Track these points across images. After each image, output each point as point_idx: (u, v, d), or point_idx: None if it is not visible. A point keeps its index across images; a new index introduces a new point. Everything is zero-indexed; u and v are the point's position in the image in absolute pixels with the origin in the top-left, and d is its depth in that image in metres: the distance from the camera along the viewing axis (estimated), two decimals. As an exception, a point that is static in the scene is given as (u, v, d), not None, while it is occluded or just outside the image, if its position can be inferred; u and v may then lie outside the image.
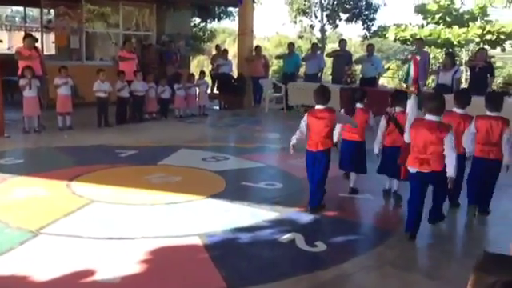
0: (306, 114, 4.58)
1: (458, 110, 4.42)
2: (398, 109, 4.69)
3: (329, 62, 12.70)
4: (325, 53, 14.74)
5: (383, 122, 4.75)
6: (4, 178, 5.23)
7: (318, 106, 4.51)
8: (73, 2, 11.81)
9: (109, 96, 8.77)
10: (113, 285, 3.02)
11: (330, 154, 4.50)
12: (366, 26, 19.60)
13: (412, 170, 3.86)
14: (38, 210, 4.27)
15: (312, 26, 21.32)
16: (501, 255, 1.27)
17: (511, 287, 1.00)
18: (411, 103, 4.36)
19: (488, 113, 4.33)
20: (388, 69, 17.58)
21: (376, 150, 4.79)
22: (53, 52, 13.52)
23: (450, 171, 3.71)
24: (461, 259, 3.66)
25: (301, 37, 22.50)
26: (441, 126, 3.77)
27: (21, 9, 17.69)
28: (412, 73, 4.62)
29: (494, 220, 4.43)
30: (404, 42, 17.14)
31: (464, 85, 10.82)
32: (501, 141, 4.23)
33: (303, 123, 4.54)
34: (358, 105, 5.09)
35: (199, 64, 22.90)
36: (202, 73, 11.50)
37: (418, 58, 5.37)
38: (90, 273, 3.13)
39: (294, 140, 4.58)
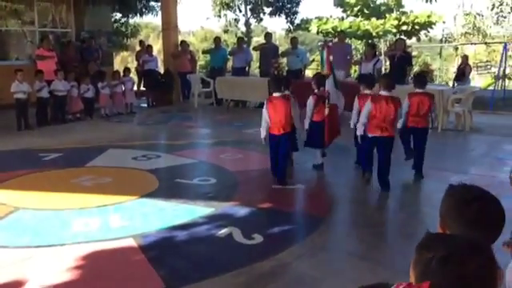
0: (266, 102, 5.17)
1: (384, 92, 4.91)
2: (321, 89, 5.47)
3: (255, 55, 12.81)
4: (251, 46, 14.84)
5: (312, 101, 5.47)
6: None
7: (275, 94, 5.11)
8: (-18, -2, 11.03)
9: (28, 97, 8.31)
10: (45, 295, 2.89)
11: (292, 135, 5.24)
12: (289, 19, 19.92)
13: (371, 135, 4.84)
14: (-45, 223, 3.98)
15: (237, 20, 21.36)
16: (442, 234, 1.36)
17: (446, 261, 1.06)
18: (329, 83, 5.40)
19: (417, 90, 5.35)
20: (313, 61, 18.03)
21: (306, 126, 5.51)
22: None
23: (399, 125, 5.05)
24: (390, 241, 3.87)
25: (226, 31, 22.44)
26: (394, 99, 4.80)
27: None
28: (325, 59, 5.62)
29: (422, 201, 4.74)
30: (326, 34, 17.66)
31: (384, 74, 11.33)
32: (429, 112, 5.29)
33: (265, 111, 5.10)
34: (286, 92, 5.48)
35: (123, 61, 22.24)
36: (127, 70, 11.18)
37: (330, 44, 6.33)
38: (19, 283, 2.98)
39: (263, 132, 5.16)
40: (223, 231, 3.81)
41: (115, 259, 3.40)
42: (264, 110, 5.13)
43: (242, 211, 4.32)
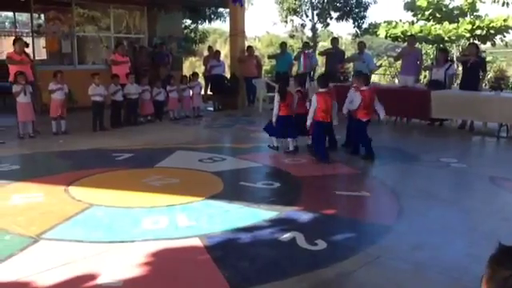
0: (315, 95, 6.37)
1: (323, 90, 6.41)
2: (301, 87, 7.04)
3: (320, 60, 12.74)
4: (317, 51, 14.77)
5: (296, 97, 6.85)
6: (1, 185, 5.21)
7: (321, 90, 6.45)
8: (63, 6, 11.76)
9: (104, 100, 8.77)
10: (115, 288, 3.02)
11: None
12: (356, 23, 19.63)
13: (363, 119, 6.56)
14: (37, 216, 4.26)
15: (303, 25, 21.34)
16: None
17: None
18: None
19: (364, 87, 6.67)
20: (380, 66, 17.63)
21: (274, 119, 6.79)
22: (44, 57, 13.45)
23: (382, 115, 6.81)
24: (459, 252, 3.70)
25: (292, 36, 22.49)
26: (373, 92, 6.72)
27: (10, 14, 17.61)
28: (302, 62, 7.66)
29: (495, 212, 4.52)
30: (395, 38, 17.21)
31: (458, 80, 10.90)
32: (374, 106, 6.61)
33: (314, 103, 6.29)
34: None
35: (191, 65, 22.86)
36: (195, 74, 11.50)
37: (307, 52, 8.69)
38: (92, 277, 3.14)
39: (309, 119, 6.37)
40: (286, 235, 3.81)
41: (181, 258, 3.50)
42: (313, 102, 6.30)
43: (305, 216, 4.30)
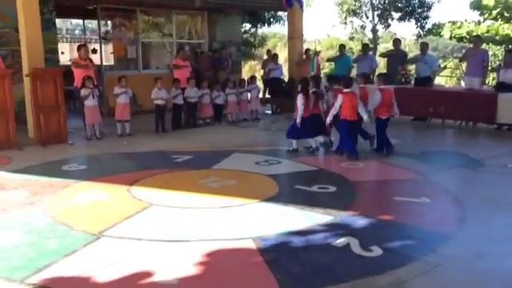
0: (340, 96, 6.74)
1: (347, 90, 6.82)
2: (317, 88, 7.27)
3: (382, 62, 12.48)
4: (377, 53, 14.48)
5: (312, 98, 7.12)
6: (68, 184, 5.52)
7: (345, 90, 6.83)
8: (128, 13, 12.27)
9: (166, 103, 9.07)
10: (170, 286, 3.11)
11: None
12: (419, 24, 19.06)
13: (384, 117, 7.00)
14: (100, 214, 4.48)
15: (363, 27, 21.01)
16: None
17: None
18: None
19: (383, 86, 7.16)
20: (445, 68, 17.01)
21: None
22: (111, 62, 14.10)
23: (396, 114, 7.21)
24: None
25: (352, 38, 22.19)
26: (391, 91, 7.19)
27: (80, 21, 18.59)
28: (315, 65, 8.56)
29: None
30: (460, 39, 16.61)
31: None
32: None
33: (339, 102, 6.71)
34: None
35: (250, 69, 23.10)
36: (253, 78, 11.61)
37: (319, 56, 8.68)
38: (149, 274, 3.25)
39: (330, 118, 6.83)
40: (341, 240, 3.77)
41: (235, 259, 3.55)
42: (338, 101, 6.72)
43: (360, 222, 4.24)
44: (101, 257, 3.54)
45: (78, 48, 8.85)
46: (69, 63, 15.45)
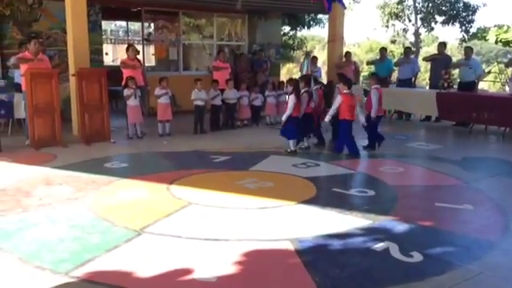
0: (340, 96, 7.09)
1: (347, 91, 7.15)
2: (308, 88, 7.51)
3: (423, 66, 12.24)
4: (419, 57, 14.21)
5: (306, 97, 7.40)
6: (110, 181, 5.67)
7: (345, 91, 7.12)
8: (171, 16, 12.51)
9: (205, 104, 9.18)
10: (209, 284, 3.15)
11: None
12: (463, 28, 18.57)
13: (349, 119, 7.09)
14: (141, 211, 4.58)
15: (405, 30, 20.65)
16: None
17: None
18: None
19: (376, 86, 7.54)
20: (489, 72, 16.51)
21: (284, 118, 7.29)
22: (153, 63, 14.40)
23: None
24: None
25: (393, 41, 21.83)
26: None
27: (124, 23, 19.08)
28: (305, 66, 8.44)
29: None
30: (506, 43, 16.07)
31: None
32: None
33: (338, 102, 7.06)
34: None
35: (289, 72, 23.10)
36: (292, 80, 11.57)
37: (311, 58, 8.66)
38: (188, 271, 3.30)
39: (329, 117, 7.28)
40: (380, 245, 3.72)
41: (273, 259, 3.56)
42: (337, 102, 7.04)
43: (400, 227, 4.17)
44: (141, 253, 3.62)
45: (127, 48, 9.10)
46: (112, 63, 15.95)
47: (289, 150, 7.30)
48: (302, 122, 7.30)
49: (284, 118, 7.24)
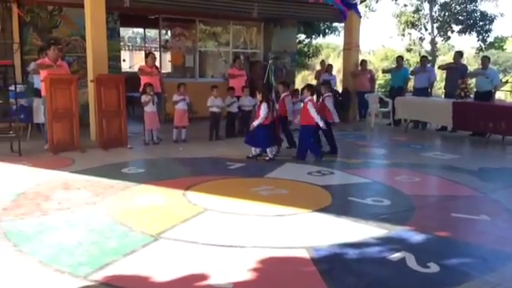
0: (310, 102, 7.32)
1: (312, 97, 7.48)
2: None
3: (439, 75, 12.17)
4: (436, 66, 14.14)
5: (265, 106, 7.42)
6: (127, 186, 5.74)
7: (310, 97, 7.40)
8: (188, 23, 12.64)
9: (221, 111, 9.24)
10: (225, 290, 3.18)
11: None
12: (480, 37, 18.45)
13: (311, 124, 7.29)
14: (158, 216, 4.62)
15: (421, 39, 20.56)
16: None
17: None
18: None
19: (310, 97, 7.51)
20: (506, 82, 16.34)
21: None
22: (169, 70, 14.53)
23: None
24: None
25: (409, 50, 21.75)
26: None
27: (141, 30, 19.26)
28: (272, 73, 8.35)
29: None
30: (525, 53, 15.89)
31: None
32: None
33: (312, 108, 7.26)
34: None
35: (304, 79, 23.12)
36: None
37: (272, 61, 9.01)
38: (204, 277, 3.33)
39: (321, 122, 7.35)
40: (396, 255, 3.71)
41: (288, 267, 3.57)
42: (313, 108, 7.24)
43: (417, 237, 4.15)
44: (158, 258, 3.66)
45: (146, 55, 9.24)
46: (129, 70, 16.11)
47: (267, 159, 7.37)
48: (270, 131, 7.40)
49: (255, 124, 7.35)
